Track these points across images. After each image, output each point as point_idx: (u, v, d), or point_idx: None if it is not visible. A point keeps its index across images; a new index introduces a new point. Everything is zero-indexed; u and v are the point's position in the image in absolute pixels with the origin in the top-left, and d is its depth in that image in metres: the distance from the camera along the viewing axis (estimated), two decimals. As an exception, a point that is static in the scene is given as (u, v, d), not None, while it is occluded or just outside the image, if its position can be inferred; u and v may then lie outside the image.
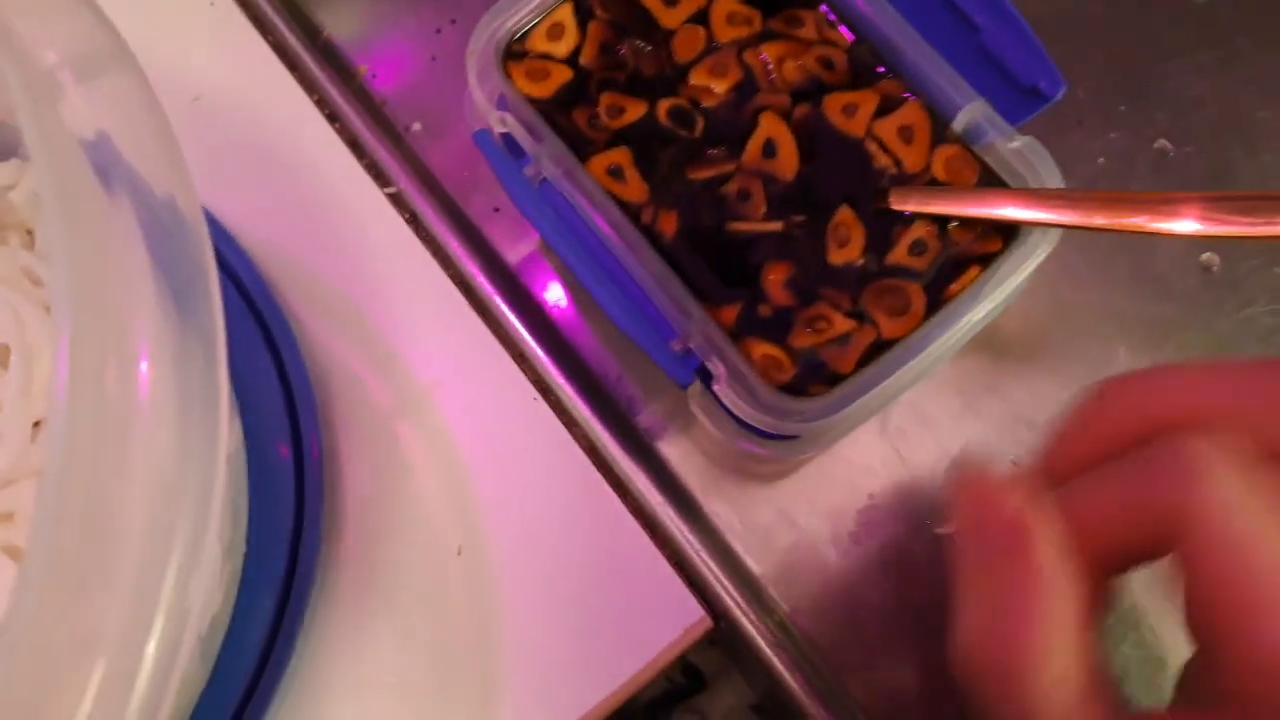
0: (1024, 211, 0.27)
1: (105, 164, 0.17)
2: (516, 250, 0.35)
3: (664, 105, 0.30)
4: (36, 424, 0.25)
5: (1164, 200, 0.25)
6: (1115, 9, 0.37)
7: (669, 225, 0.29)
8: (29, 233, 0.28)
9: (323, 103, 0.35)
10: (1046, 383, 0.33)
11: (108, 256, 0.17)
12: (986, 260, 0.28)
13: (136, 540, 0.17)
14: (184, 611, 0.17)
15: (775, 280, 0.28)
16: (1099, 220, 0.25)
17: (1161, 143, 0.35)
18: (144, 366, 0.17)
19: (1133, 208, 0.25)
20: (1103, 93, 0.36)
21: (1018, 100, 0.29)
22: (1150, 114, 0.36)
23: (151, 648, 0.17)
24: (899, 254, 0.28)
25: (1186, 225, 0.24)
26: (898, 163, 0.29)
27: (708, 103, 0.30)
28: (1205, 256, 0.34)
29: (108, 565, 0.17)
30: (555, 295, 0.34)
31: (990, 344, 0.33)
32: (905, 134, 0.29)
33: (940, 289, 0.28)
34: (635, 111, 0.30)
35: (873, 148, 0.29)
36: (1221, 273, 0.34)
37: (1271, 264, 0.34)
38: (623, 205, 0.28)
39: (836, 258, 0.28)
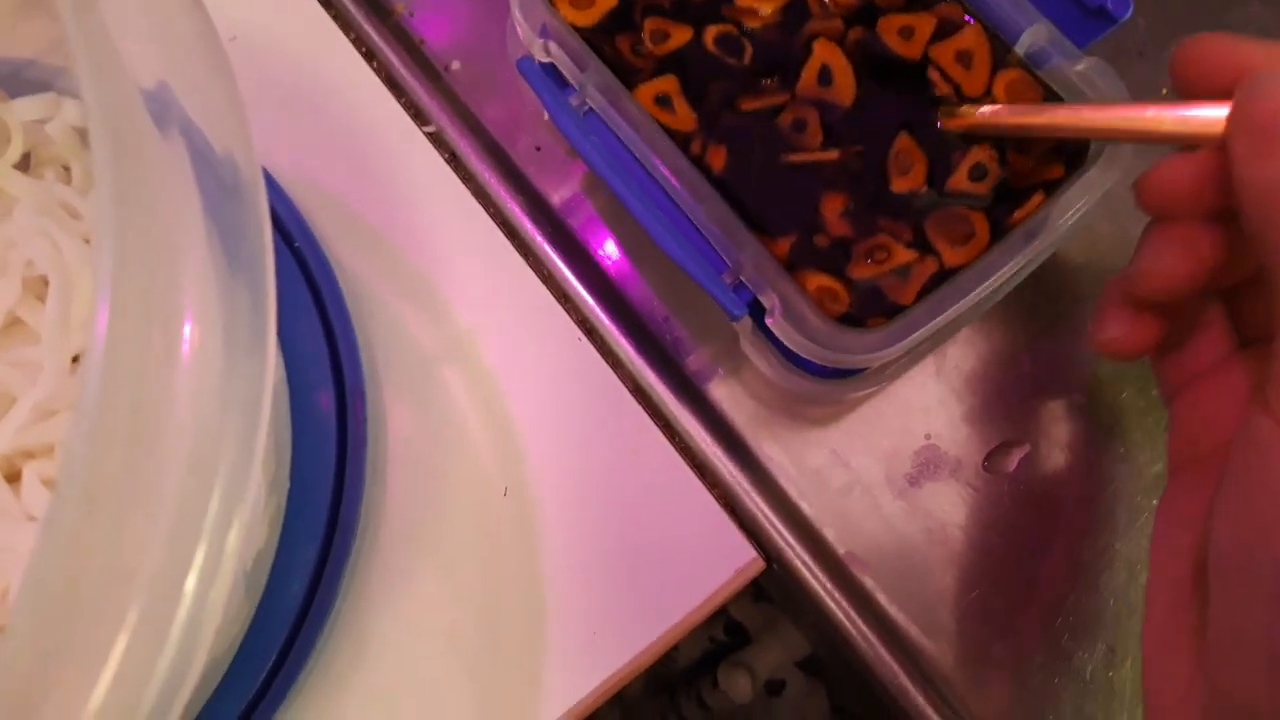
0: (1078, 118, 0.25)
1: (161, 107, 0.16)
2: (559, 190, 0.34)
3: (711, 32, 0.29)
4: (75, 358, 0.24)
5: (1127, 106, 0.23)
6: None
7: (717, 159, 0.28)
8: (65, 168, 0.28)
9: (359, 41, 0.34)
10: (1109, 320, 0.31)
11: (157, 191, 0.17)
12: (1051, 186, 0.27)
13: (179, 471, 0.16)
14: (225, 544, 0.17)
15: (832, 210, 0.27)
16: (1167, 125, 0.24)
17: (1228, 73, 0.34)
18: (188, 301, 0.16)
19: (1095, 115, 0.24)
20: (1166, 22, 0.34)
21: (1082, 22, 0.28)
22: (1216, 43, 0.34)
23: (192, 581, 0.16)
24: (959, 179, 0.27)
25: (1165, 124, 0.22)
26: (956, 88, 0.28)
27: (752, 24, 0.29)
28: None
29: (147, 496, 0.16)
30: (599, 235, 0.33)
31: (1052, 278, 0.32)
32: (964, 58, 0.28)
33: (1004, 216, 0.27)
34: (680, 36, 0.28)
35: (932, 73, 0.28)
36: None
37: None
38: (671, 135, 0.27)
39: (899, 185, 0.27)
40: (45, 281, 0.25)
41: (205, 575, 0.15)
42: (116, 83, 0.16)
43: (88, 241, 0.25)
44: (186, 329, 0.15)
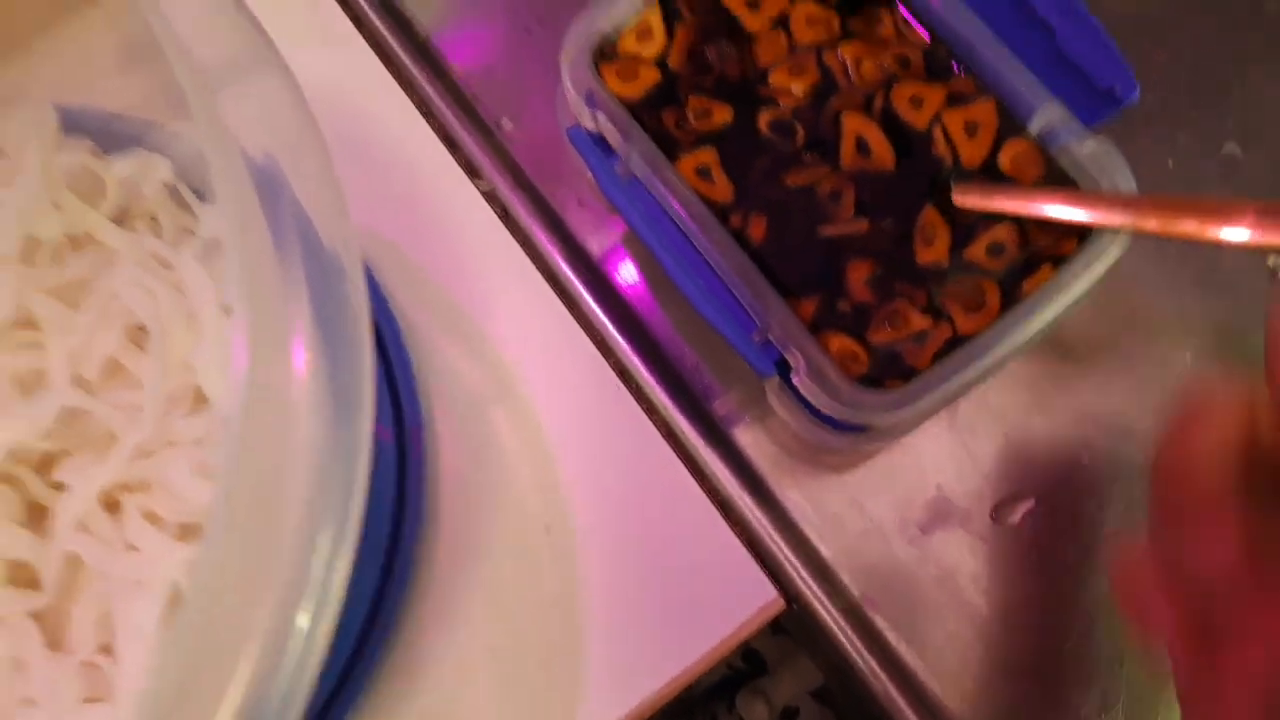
0: (1074, 211, 0.28)
1: (271, 183, 0.18)
2: (599, 242, 0.36)
3: (765, 116, 0.31)
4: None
5: (1219, 207, 0.25)
6: (1185, 12, 0.38)
7: (758, 230, 0.30)
8: (154, 219, 0.30)
9: (419, 100, 0.37)
10: (1115, 382, 0.34)
11: (278, 269, 0.19)
12: (1060, 260, 0.29)
13: (295, 520, 0.19)
14: (331, 587, 0.19)
15: (857, 277, 0.29)
16: (1151, 224, 0.26)
17: (1230, 147, 0.36)
18: (302, 365, 0.18)
19: (1187, 212, 0.26)
20: (1172, 96, 0.36)
21: (1092, 102, 0.30)
22: (1220, 118, 0.36)
23: (303, 619, 0.19)
24: (976, 251, 0.29)
25: (1240, 233, 0.25)
26: (954, 152, 0.30)
27: (787, 103, 0.31)
28: (1273, 260, 0.34)
29: (270, 544, 0.18)
30: (636, 286, 0.36)
31: (1060, 343, 0.34)
32: (970, 128, 0.30)
33: (1015, 286, 0.29)
34: (721, 115, 0.31)
35: (935, 132, 0.30)
36: (1289, 276, 0.34)
37: (1340, 268, 0.34)
38: (710, 204, 0.30)
39: (924, 257, 0.29)
40: (142, 329, 0.27)
41: (315, 613, 0.18)
42: (241, 178, 0.19)
43: (180, 290, 0.27)
44: (303, 398, 0.17)
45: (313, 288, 0.18)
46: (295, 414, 0.17)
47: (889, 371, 0.28)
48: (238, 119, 0.19)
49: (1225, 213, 0.25)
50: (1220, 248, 0.34)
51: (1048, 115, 0.30)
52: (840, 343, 0.29)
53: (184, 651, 0.16)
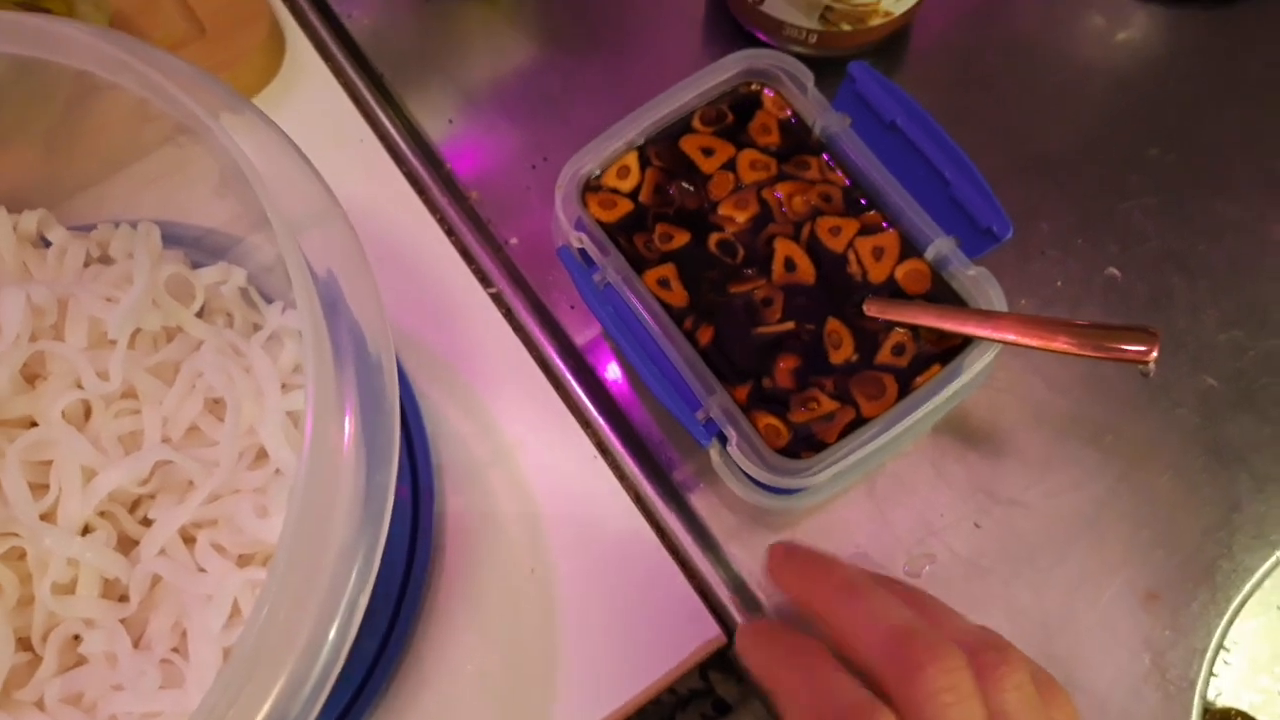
0: (955, 323, 0.35)
1: (332, 297, 0.26)
2: (584, 336, 0.44)
3: (714, 239, 0.39)
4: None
5: (989, 316, 0.35)
6: (1078, 156, 0.46)
7: (706, 335, 0.37)
8: (229, 315, 0.38)
9: (442, 220, 0.45)
10: (1007, 462, 0.40)
11: (335, 360, 0.26)
12: (947, 358, 0.36)
13: (335, 553, 0.25)
14: (355, 610, 0.26)
15: (785, 369, 0.37)
16: (1010, 336, 0.34)
17: (1111, 270, 0.43)
18: (349, 432, 0.26)
19: (966, 322, 0.35)
20: (1064, 227, 0.44)
21: (975, 238, 0.37)
22: (1103, 246, 0.44)
23: (333, 633, 0.25)
24: (884, 354, 0.36)
25: (1009, 336, 0.34)
26: (864, 272, 0.37)
27: (730, 229, 0.39)
28: (1142, 368, 0.41)
29: (317, 569, 0.25)
30: (613, 374, 0.43)
31: (962, 429, 0.41)
32: (877, 252, 0.38)
33: (909, 379, 0.36)
34: (680, 239, 0.39)
35: (850, 256, 0.38)
36: (1156, 379, 0.41)
37: (1198, 371, 0.41)
38: (667, 308, 0.37)
39: (835, 358, 0.37)
40: (218, 401, 0.35)
41: (341, 629, 0.24)
42: (313, 297, 0.26)
43: (248, 372, 0.35)
44: (349, 456, 0.25)
45: (359, 374, 0.26)
46: (344, 466, 0.24)
47: (805, 445, 0.35)
48: (311, 252, 0.26)
49: (995, 322, 0.34)
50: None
51: (939, 247, 0.37)
52: (766, 420, 0.36)
53: (247, 650, 0.23)
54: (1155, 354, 0.32)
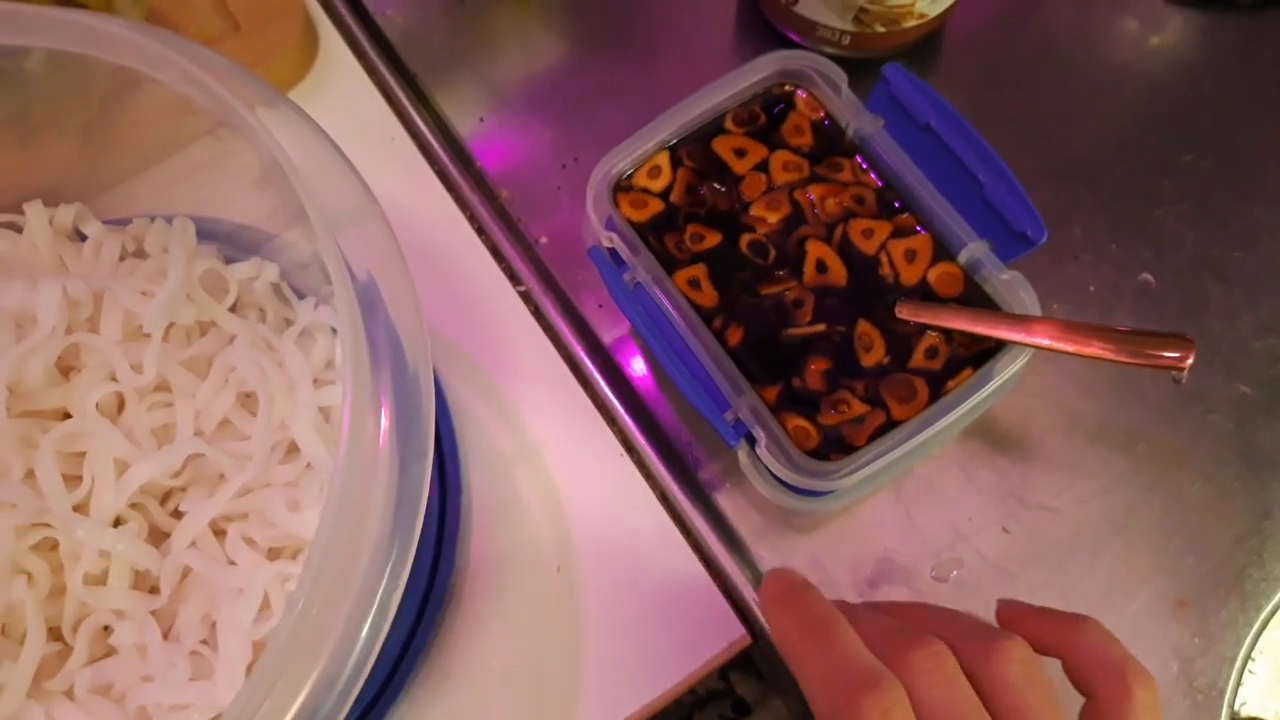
0: (988, 327, 0.35)
1: (370, 296, 0.26)
2: (612, 335, 0.44)
3: (745, 240, 0.38)
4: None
5: (1023, 321, 0.34)
6: (1114, 161, 0.45)
7: (735, 335, 0.37)
8: (261, 310, 0.39)
9: (472, 218, 0.45)
10: (1037, 467, 0.40)
11: (372, 359, 0.26)
12: (979, 362, 0.36)
13: (368, 552, 0.25)
14: (389, 606, 0.26)
15: (815, 370, 0.36)
16: (1043, 340, 0.34)
17: (1145, 276, 0.43)
18: (384, 430, 0.26)
19: (999, 326, 0.35)
20: (1097, 232, 0.44)
21: (1011, 241, 0.37)
22: (1137, 251, 0.43)
23: (365, 630, 0.25)
24: (918, 358, 0.36)
25: (1043, 341, 0.33)
26: (896, 275, 0.37)
27: (762, 230, 0.39)
28: (1175, 374, 0.41)
29: (351, 568, 0.25)
30: (640, 373, 0.43)
31: (991, 433, 0.41)
32: (909, 255, 0.38)
33: (942, 383, 0.36)
34: (711, 240, 0.39)
35: (882, 258, 0.37)
36: (1190, 385, 0.41)
37: (1232, 378, 0.41)
38: (697, 308, 0.37)
39: (866, 360, 0.36)
40: (250, 395, 0.35)
41: (373, 627, 0.25)
42: (351, 295, 0.26)
43: (281, 367, 0.35)
44: (384, 450, 0.25)
45: (394, 373, 0.26)
46: (378, 461, 0.25)
47: (834, 448, 0.35)
48: (351, 251, 0.26)
49: (1029, 325, 0.34)
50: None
51: (973, 250, 0.37)
52: (796, 422, 0.36)
53: (282, 645, 0.23)
54: (1190, 361, 0.32)
